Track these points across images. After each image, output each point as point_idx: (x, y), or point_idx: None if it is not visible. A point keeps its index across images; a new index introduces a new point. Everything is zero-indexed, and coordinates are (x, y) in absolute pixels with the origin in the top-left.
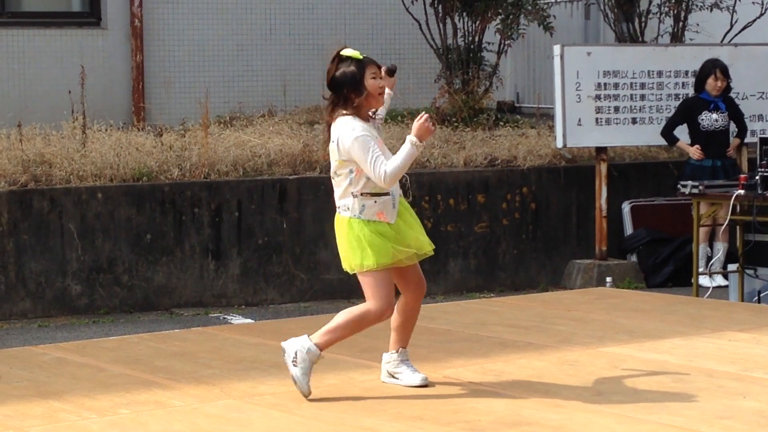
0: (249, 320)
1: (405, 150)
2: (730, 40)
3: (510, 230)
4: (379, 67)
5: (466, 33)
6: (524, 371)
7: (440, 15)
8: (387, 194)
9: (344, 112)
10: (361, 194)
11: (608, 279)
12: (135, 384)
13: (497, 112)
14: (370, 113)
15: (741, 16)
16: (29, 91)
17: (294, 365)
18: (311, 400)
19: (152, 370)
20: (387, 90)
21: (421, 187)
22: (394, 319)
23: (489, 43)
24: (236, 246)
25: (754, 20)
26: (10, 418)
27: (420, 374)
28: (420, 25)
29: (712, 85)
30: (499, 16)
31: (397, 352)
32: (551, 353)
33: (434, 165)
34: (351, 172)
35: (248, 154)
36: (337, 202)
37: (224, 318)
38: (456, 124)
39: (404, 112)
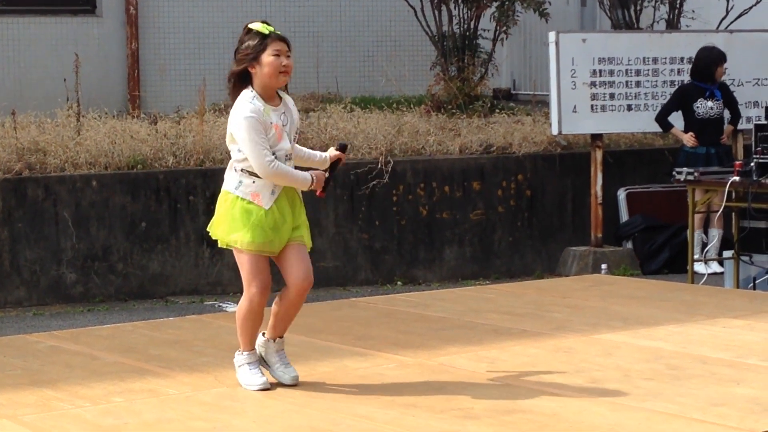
0: None
1: (300, 174)
2: (726, 27)
3: (505, 217)
4: (289, 47)
5: (462, 20)
6: (519, 358)
7: (435, 2)
8: None
9: (248, 88)
10: (242, 170)
11: (603, 266)
12: (129, 372)
13: (493, 99)
14: (279, 93)
15: (737, 3)
16: (24, 79)
17: (241, 381)
18: (305, 389)
19: (146, 359)
20: (327, 154)
21: (416, 174)
22: (275, 306)
23: (485, 30)
24: None
25: (750, 7)
26: (3, 406)
27: (292, 371)
28: (415, 12)
29: (719, 72)
30: (495, 3)
31: (273, 341)
32: (546, 340)
33: (429, 152)
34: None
35: None
36: (225, 174)
37: (219, 306)
38: (451, 111)
39: (400, 98)
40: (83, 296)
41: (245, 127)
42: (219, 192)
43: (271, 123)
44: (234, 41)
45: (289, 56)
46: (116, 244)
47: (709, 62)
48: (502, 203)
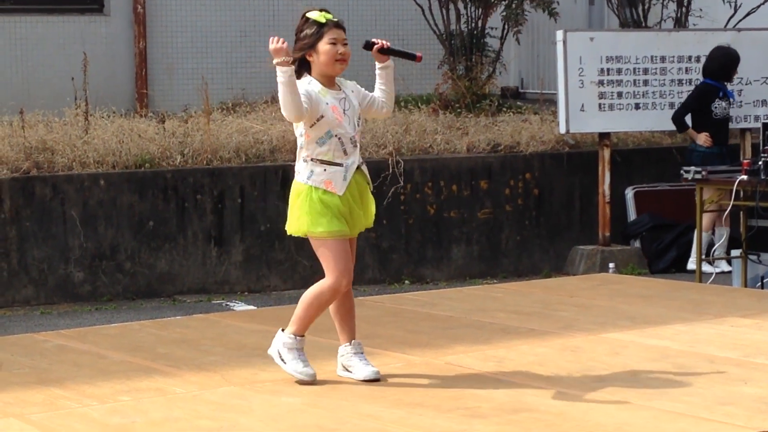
0: (251, 307)
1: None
2: (734, 25)
3: (513, 216)
4: (344, 31)
5: (470, 18)
6: (526, 357)
7: (443, 0)
8: (339, 165)
9: (306, 74)
10: (312, 159)
11: (611, 265)
12: (136, 371)
13: (501, 97)
14: (338, 82)
15: (744, 2)
16: (32, 78)
17: (284, 363)
18: (311, 387)
19: (153, 357)
20: (384, 63)
21: (424, 173)
22: (333, 312)
23: (492, 29)
24: (239, 232)
25: (759, 6)
26: (10, 405)
27: (372, 367)
28: (423, 10)
29: (735, 73)
30: (503, 2)
31: (349, 344)
32: (553, 339)
33: (437, 151)
34: (300, 135)
35: (251, 141)
36: (295, 166)
37: (227, 305)
38: (459, 110)
39: (408, 97)
40: (91, 295)
41: None
42: (227, 191)
43: (327, 104)
44: (242, 39)
45: (345, 44)
46: (124, 242)
47: (727, 62)
48: (509, 202)
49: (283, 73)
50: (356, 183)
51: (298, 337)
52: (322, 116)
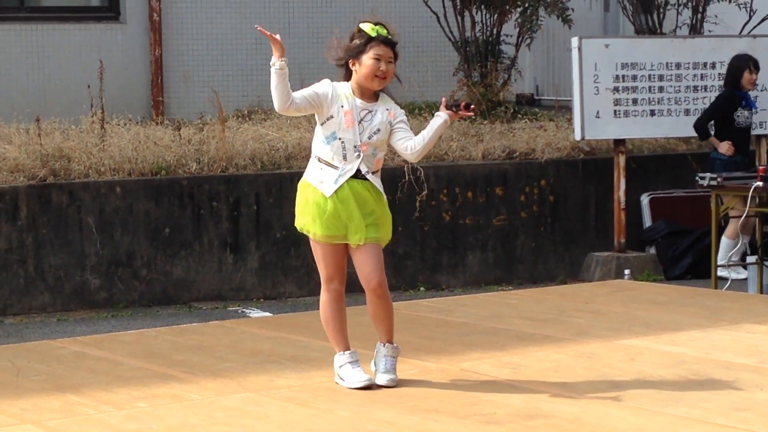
0: (267, 313)
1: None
2: (749, 31)
3: (528, 223)
4: (393, 49)
5: (484, 26)
6: (541, 364)
7: (458, 8)
8: (335, 167)
9: (346, 80)
10: (315, 157)
11: (626, 271)
12: (152, 378)
13: (516, 104)
14: (381, 97)
15: (760, 8)
16: (48, 86)
17: (343, 381)
18: (327, 394)
19: (170, 364)
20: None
21: (440, 180)
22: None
23: (507, 36)
24: (254, 239)
25: None
26: (27, 411)
27: (388, 375)
28: (438, 18)
29: (748, 78)
30: (518, 9)
31: (383, 345)
32: (568, 346)
33: (452, 158)
34: (318, 132)
35: (266, 148)
36: None
37: (242, 311)
38: (474, 116)
39: (422, 104)
40: (107, 302)
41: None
42: (242, 198)
43: (342, 106)
44: (258, 47)
45: (391, 62)
46: (140, 249)
47: (732, 69)
48: (525, 209)
49: (273, 66)
50: (352, 190)
51: (345, 353)
52: (331, 116)
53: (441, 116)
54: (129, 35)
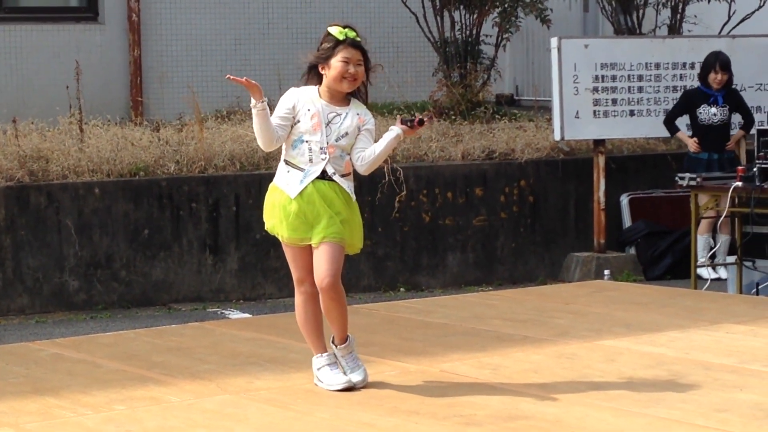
0: (247, 315)
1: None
2: (729, 31)
3: (508, 223)
4: (365, 55)
5: (464, 26)
6: (521, 365)
7: (437, 8)
8: (301, 169)
9: (312, 83)
10: (284, 160)
11: (606, 272)
12: (131, 380)
13: (496, 105)
14: (352, 101)
15: (739, 8)
16: (26, 87)
17: (322, 383)
18: (307, 396)
19: (148, 366)
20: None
21: (419, 181)
22: None
23: (487, 36)
24: (234, 241)
25: (753, 12)
26: (5, 414)
27: (357, 375)
28: (417, 18)
29: (713, 78)
30: (497, 9)
31: (335, 345)
32: (548, 347)
33: (432, 158)
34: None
35: (245, 149)
36: None
37: (222, 313)
38: (454, 117)
39: (401, 105)
40: (86, 304)
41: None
42: (221, 199)
43: (309, 110)
44: (236, 48)
45: (360, 64)
46: (119, 251)
47: (703, 68)
48: (504, 209)
49: (254, 108)
50: (318, 191)
51: (317, 356)
52: (298, 121)
53: (394, 130)
54: (107, 36)
